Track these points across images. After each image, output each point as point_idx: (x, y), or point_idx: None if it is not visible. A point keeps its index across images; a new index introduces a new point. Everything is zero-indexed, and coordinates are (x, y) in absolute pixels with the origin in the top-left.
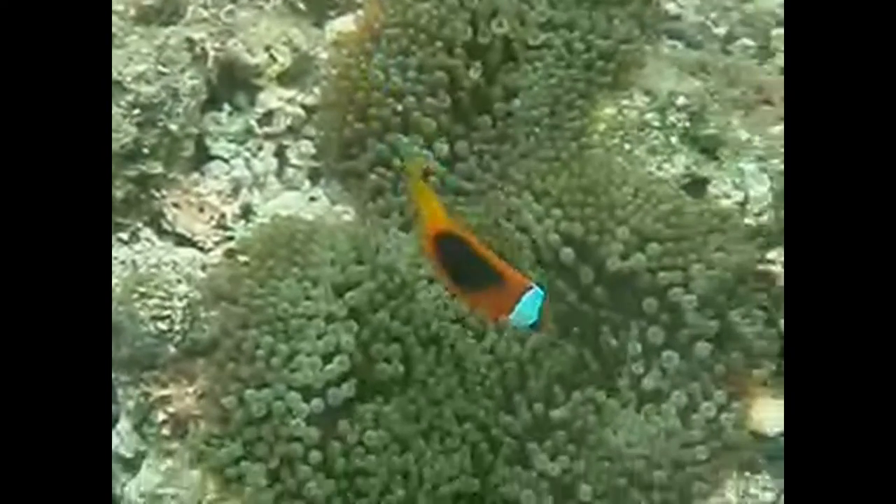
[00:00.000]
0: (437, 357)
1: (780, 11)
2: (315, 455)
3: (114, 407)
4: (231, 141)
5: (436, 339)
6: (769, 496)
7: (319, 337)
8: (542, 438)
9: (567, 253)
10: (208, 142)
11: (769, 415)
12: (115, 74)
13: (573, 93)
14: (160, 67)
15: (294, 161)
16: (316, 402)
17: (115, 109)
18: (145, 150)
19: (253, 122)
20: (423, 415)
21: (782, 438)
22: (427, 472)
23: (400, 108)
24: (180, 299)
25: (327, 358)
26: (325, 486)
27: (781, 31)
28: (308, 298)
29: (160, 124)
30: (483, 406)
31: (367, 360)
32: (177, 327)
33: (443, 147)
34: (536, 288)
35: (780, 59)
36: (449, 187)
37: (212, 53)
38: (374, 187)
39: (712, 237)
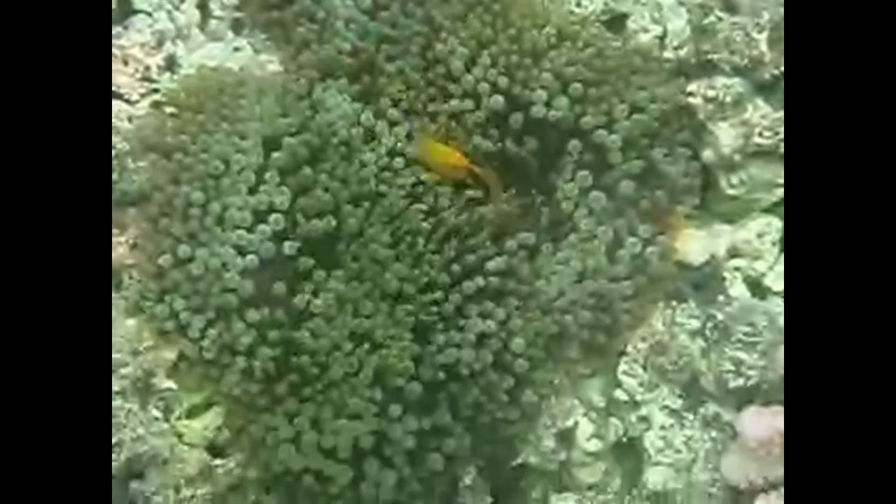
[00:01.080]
0: (369, 214)
1: None
2: (252, 313)
3: None
4: None
5: (371, 197)
6: (695, 323)
7: (251, 192)
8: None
9: (497, 100)
10: None
11: (693, 246)
12: None
13: None
14: None
15: (217, 12)
16: (250, 257)
17: None
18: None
19: None
20: (363, 275)
21: (707, 268)
22: (375, 332)
23: None
24: None
25: (259, 215)
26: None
27: None
28: (238, 151)
29: None
30: (420, 265)
31: (301, 216)
32: None
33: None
34: None
35: None
36: (373, 35)
37: None
38: (298, 38)
39: (634, 77)
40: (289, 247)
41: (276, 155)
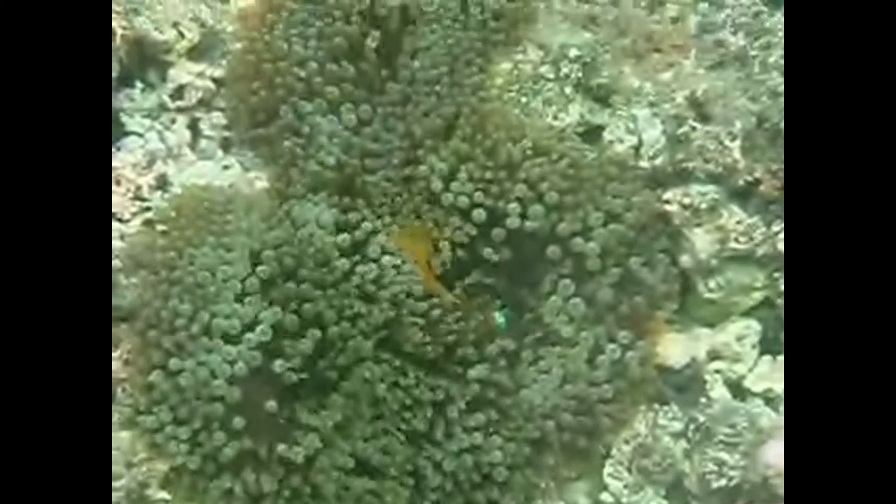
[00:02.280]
0: (353, 326)
1: None
2: (238, 420)
3: None
4: (145, 116)
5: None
6: (677, 425)
7: (238, 301)
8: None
9: (478, 213)
10: (123, 118)
11: (674, 349)
12: None
13: (470, 52)
14: None
15: (207, 132)
16: (238, 365)
17: None
18: None
19: (165, 97)
20: (347, 386)
21: (688, 370)
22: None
23: (304, 75)
24: None
25: (246, 324)
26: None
27: None
28: (224, 264)
29: None
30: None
31: (286, 327)
32: None
33: (350, 116)
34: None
35: (668, 9)
36: (357, 149)
37: (119, 32)
38: (285, 154)
39: (610, 186)
40: (279, 365)
41: (260, 268)
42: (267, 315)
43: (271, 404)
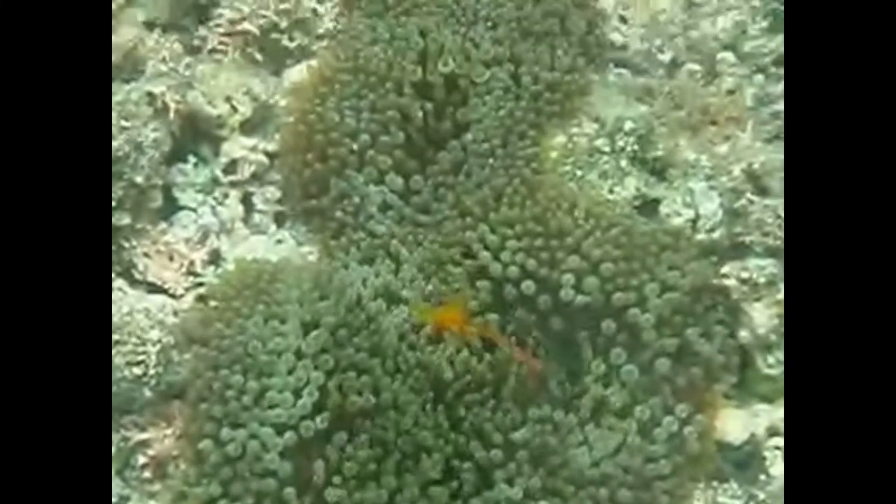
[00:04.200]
0: (403, 384)
1: (724, 35)
2: (289, 490)
3: None
4: (198, 191)
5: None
6: (737, 503)
7: (289, 373)
8: (505, 463)
9: (528, 285)
10: (176, 193)
11: (733, 425)
12: None
13: (523, 123)
14: (122, 122)
15: (260, 206)
16: (289, 434)
17: None
18: (113, 203)
19: (218, 172)
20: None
21: (747, 447)
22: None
23: (356, 147)
24: (154, 344)
25: (298, 393)
26: None
27: (726, 54)
28: (276, 335)
29: (125, 177)
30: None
31: (338, 394)
32: (151, 371)
33: (397, 180)
34: None
35: (724, 82)
36: (408, 220)
37: (173, 106)
38: (336, 224)
39: (665, 255)
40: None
41: (313, 334)
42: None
43: (318, 465)
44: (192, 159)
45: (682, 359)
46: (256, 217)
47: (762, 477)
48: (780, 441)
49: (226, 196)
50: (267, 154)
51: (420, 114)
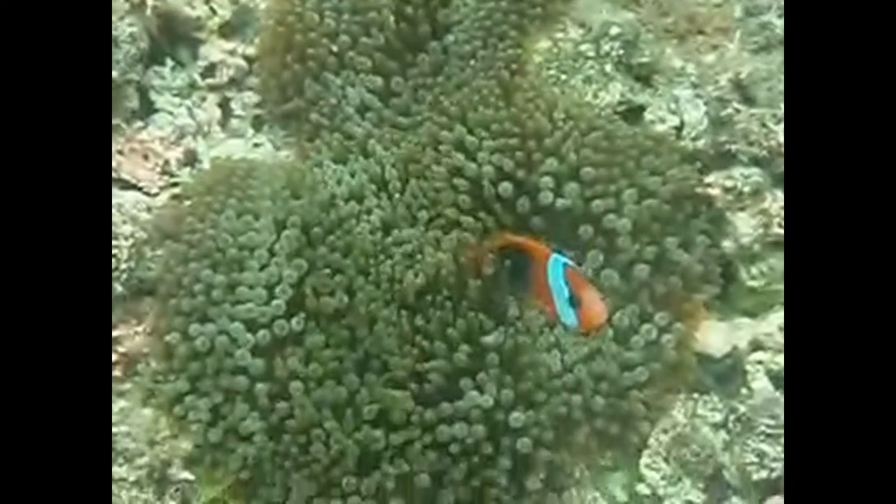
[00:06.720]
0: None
1: None
2: (261, 387)
3: None
4: (175, 95)
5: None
6: (718, 416)
7: (261, 269)
8: (476, 369)
9: (505, 187)
10: (152, 96)
11: (715, 338)
12: None
13: (504, 24)
14: None
15: (237, 111)
16: (262, 333)
17: None
18: None
19: (196, 76)
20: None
21: (729, 360)
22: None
23: (335, 48)
24: (126, 238)
25: (270, 290)
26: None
27: None
28: (249, 230)
29: None
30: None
31: (311, 293)
32: (123, 266)
33: (377, 81)
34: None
35: None
36: (386, 121)
37: (151, 3)
38: (311, 126)
39: (646, 160)
40: (296, 322)
41: (285, 233)
42: (289, 274)
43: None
44: (169, 62)
45: (661, 267)
46: (234, 122)
47: (743, 390)
48: (762, 356)
49: (203, 100)
50: (246, 58)
51: (401, 15)
